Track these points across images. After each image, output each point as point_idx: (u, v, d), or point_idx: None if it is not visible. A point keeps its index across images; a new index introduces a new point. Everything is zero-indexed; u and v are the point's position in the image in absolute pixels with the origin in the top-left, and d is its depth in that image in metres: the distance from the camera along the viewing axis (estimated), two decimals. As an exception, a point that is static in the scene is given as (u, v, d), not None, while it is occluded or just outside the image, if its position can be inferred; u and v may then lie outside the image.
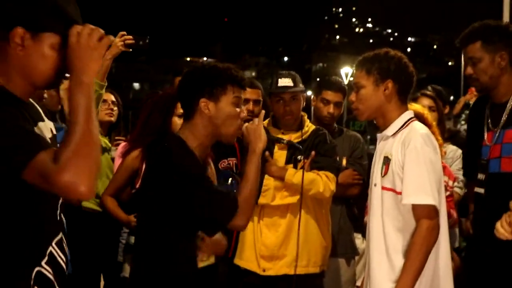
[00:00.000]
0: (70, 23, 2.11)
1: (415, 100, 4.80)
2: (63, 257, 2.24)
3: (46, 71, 2.13)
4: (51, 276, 2.18)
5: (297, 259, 3.96)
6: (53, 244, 2.19)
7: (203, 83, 2.91)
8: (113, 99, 5.37)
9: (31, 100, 2.24)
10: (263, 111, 3.19)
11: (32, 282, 2.10)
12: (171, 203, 2.76)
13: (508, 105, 3.61)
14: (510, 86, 3.63)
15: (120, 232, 4.67)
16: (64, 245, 2.27)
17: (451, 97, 28.65)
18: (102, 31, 2.07)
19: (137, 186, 4.11)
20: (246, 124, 2.98)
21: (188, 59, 78.28)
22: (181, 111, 4.04)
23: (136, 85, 65.11)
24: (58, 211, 2.24)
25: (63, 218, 2.30)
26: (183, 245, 2.85)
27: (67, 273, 2.31)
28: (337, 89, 4.75)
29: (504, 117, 3.60)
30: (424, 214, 2.97)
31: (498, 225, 2.34)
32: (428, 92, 4.98)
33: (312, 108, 4.95)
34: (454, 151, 4.77)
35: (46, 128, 2.25)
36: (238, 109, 2.94)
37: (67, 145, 1.89)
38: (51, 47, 2.11)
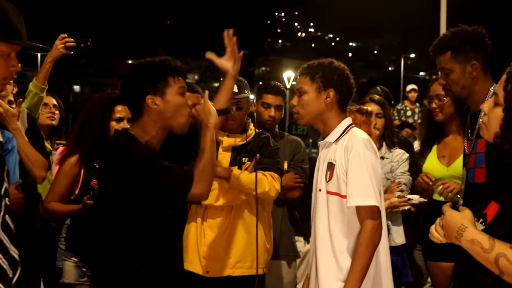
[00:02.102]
0: (17, 34, 2.36)
1: (362, 104, 4.82)
2: (5, 259, 2.31)
3: None
4: None
5: (258, 257, 4.01)
6: None
7: (145, 80, 2.96)
8: (55, 102, 5.33)
9: None
10: (207, 91, 3.26)
11: None
12: (127, 189, 2.82)
13: (480, 114, 3.57)
14: (483, 94, 3.53)
15: (59, 237, 4.62)
16: (7, 245, 2.34)
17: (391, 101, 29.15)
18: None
19: (76, 192, 4.06)
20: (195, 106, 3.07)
21: (130, 61, 77.63)
22: (118, 115, 4.04)
23: (77, 88, 64.18)
24: (2, 214, 2.33)
25: (8, 220, 2.37)
26: (147, 244, 2.90)
27: (17, 272, 2.37)
28: (277, 92, 4.82)
29: (477, 126, 3.49)
30: (368, 215, 3.10)
31: (432, 229, 2.41)
32: (376, 98, 5.00)
33: (255, 112, 4.99)
34: (400, 155, 4.84)
35: None
36: (184, 98, 3.01)
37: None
38: None
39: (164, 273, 2.97)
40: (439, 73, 3.69)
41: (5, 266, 2.32)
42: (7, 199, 2.41)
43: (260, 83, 5.19)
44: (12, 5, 2.41)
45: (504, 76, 2.40)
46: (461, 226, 2.27)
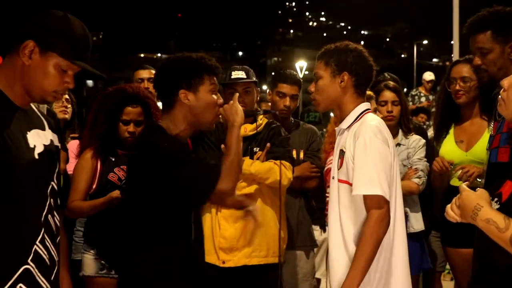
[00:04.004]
0: (80, 56, 2.46)
1: (377, 92, 4.76)
2: (47, 255, 2.39)
3: (44, 87, 2.41)
4: (36, 273, 2.33)
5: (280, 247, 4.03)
6: (37, 242, 2.35)
7: (181, 75, 3.01)
8: (67, 96, 5.33)
9: (35, 109, 2.55)
10: (237, 94, 3.32)
11: (16, 279, 2.27)
12: (156, 181, 2.84)
13: (496, 90, 3.47)
14: None
15: (73, 230, 4.63)
16: (48, 244, 2.41)
17: (404, 89, 29.07)
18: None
19: (94, 186, 4.06)
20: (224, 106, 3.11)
21: (142, 55, 77.82)
22: (125, 118, 4.04)
23: (90, 82, 64.29)
24: (44, 213, 2.41)
25: (50, 220, 2.45)
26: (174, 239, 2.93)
27: (55, 269, 2.45)
28: (292, 82, 4.77)
29: None
30: (373, 204, 3.01)
31: (448, 208, 2.38)
32: (391, 84, 4.94)
33: (270, 102, 4.96)
34: (417, 141, 4.80)
35: (43, 137, 2.46)
36: (215, 97, 3.06)
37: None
38: (54, 66, 2.40)
39: (191, 266, 2.99)
40: (473, 53, 3.56)
41: (49, 263, 2.39)
42: (52, 199, 2.46)
43: (273, 73, 5.15)
44: (85, 29, 2.52)
45: None
46: (477, 205, 2.26)
